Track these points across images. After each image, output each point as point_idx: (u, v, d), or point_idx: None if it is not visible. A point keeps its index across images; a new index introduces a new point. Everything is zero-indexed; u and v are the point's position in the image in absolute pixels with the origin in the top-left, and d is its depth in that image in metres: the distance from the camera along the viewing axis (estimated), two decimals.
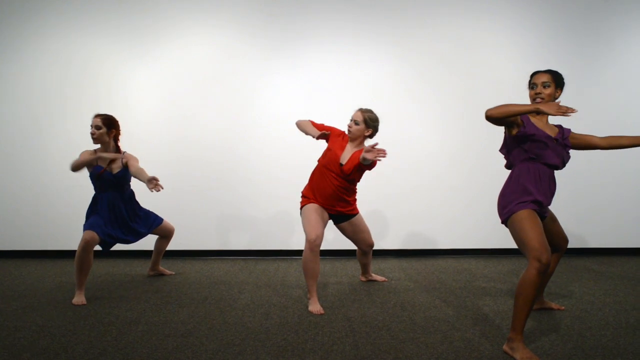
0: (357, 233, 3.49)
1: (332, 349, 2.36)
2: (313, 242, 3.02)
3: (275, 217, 4.93)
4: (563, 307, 3.05)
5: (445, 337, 2.52)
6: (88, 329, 2.65)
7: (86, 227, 3.29)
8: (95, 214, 3.41)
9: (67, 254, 4.84)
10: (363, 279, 3.89)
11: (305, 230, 3.10)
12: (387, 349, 2.36)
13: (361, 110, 3.22)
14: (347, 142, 3.25)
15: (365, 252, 3.66)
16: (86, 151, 3.43)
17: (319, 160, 3.31)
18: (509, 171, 2.62)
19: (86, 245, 3.18)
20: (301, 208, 3.28)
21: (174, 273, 4.16)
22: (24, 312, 3.00)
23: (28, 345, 2.42)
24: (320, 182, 3.22)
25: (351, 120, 3.22)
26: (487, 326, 2.70)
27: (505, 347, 2.31)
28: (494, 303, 3.19)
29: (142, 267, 4.40)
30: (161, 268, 4.13)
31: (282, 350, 2.35)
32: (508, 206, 2.44)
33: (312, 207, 3.21)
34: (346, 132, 3.26)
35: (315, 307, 3.01)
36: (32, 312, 3.00)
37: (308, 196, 3.28)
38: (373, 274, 3.92)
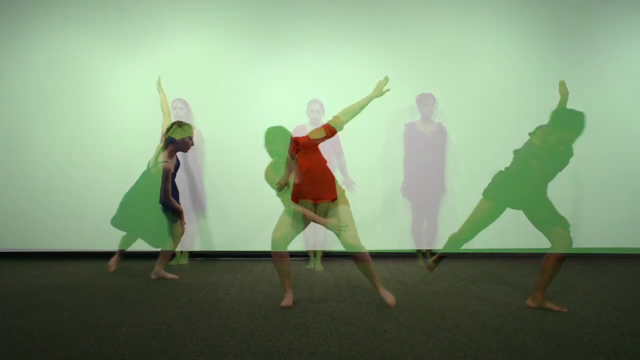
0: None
1: (316, 350, 2.35)
2: (274, 242, 3.10)
3: (261, 217, 4.89)
4: (565, 309, 3.01)
5: (430, 337, 2.53)
6: (70, 332, 2.61)
7: None
8: None
9: (49, 256, 4.78)
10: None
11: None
12: (372, 349, 2.37)
13: None
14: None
15: (356, 259, 3.08)
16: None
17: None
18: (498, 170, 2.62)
19: None
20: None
21: (177, 277, 4.02)
22: (3, 315, 2.94)
23: (7, 349, 2.37)
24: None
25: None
26: (470, 326, 2.72)
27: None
28: (478, 303, 3.21)
29: (125, 268, 4.34)
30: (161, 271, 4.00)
31: (267, 351, 2.34)
32: None
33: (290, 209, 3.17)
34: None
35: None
36: (11, 315, 2.94)
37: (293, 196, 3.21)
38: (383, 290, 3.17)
